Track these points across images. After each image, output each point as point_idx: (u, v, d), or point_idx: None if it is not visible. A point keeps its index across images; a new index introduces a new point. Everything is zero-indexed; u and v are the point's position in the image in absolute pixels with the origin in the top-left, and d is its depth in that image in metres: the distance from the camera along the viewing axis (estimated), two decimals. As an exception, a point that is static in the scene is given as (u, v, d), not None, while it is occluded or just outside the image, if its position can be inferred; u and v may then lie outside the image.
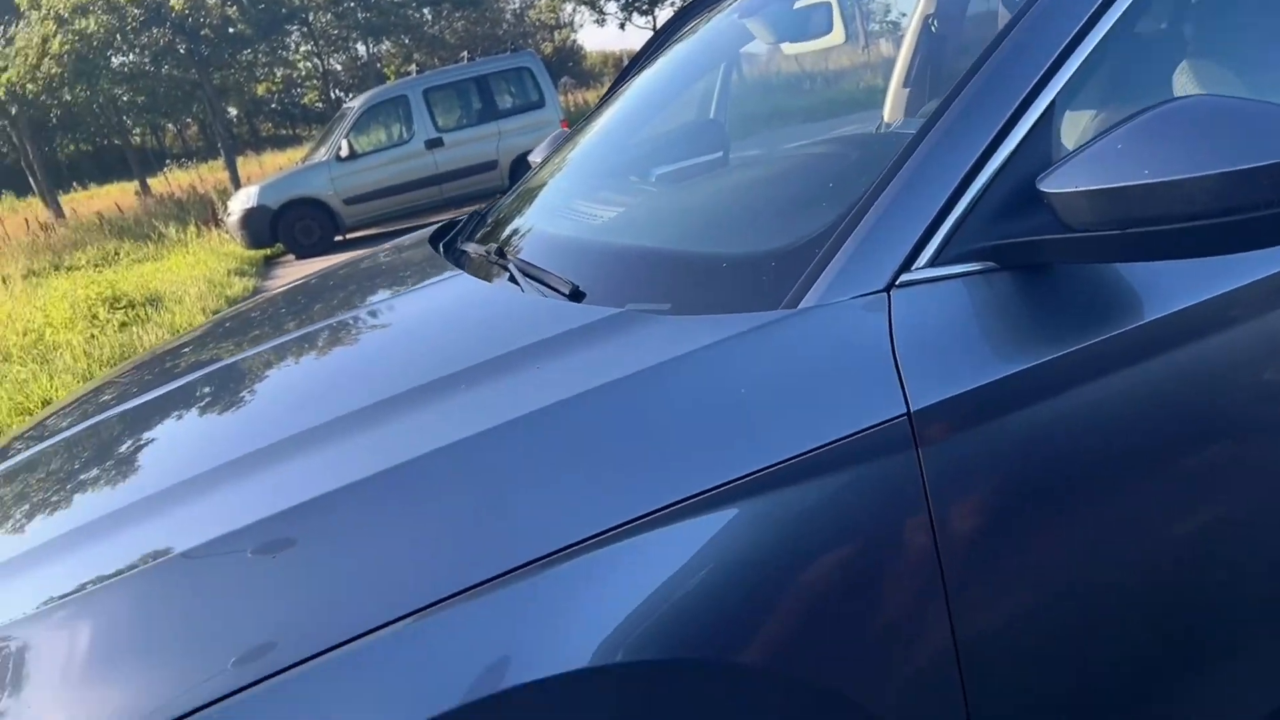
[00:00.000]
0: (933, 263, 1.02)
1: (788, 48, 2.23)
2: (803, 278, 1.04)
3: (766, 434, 0.93)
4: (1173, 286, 1.04)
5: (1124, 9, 1.10)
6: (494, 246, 1.58)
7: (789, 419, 0.94)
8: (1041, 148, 1.04)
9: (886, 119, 2.35)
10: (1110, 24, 1.09)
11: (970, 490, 0.98)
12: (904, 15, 2.45)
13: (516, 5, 40.43)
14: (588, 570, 0.87)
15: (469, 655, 0.84)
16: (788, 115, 2.84)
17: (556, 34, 41.36)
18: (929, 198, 1.03)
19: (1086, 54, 1.08)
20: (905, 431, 0.95)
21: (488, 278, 1.49)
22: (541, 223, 1.75)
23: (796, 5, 1.81)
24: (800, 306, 1.01)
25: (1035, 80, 1.06)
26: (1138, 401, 1.04)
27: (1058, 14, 1.10)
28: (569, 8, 35.60)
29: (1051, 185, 0.95)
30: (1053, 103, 1.05)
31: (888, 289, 1.01)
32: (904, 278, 1.01)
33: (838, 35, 1.80)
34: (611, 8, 31.95)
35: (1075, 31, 1.07)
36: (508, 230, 1.76)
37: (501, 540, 0.88)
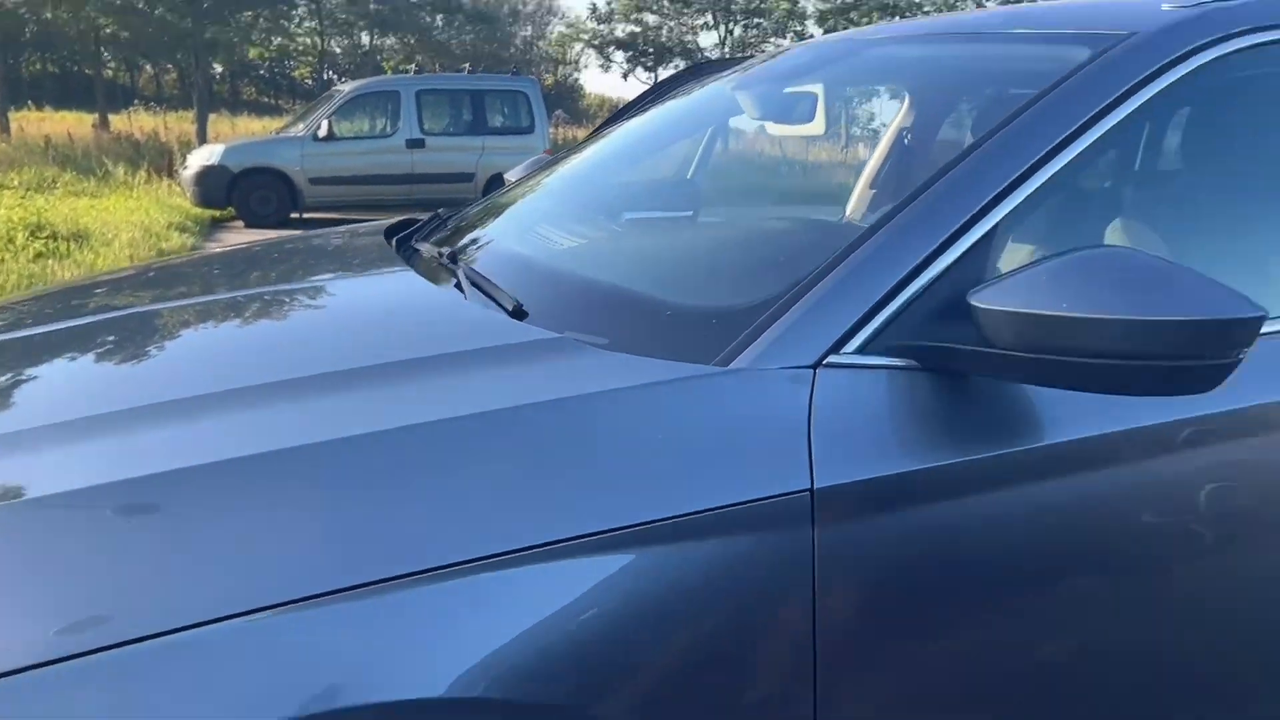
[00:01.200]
0: (861, 350, 1.06)
1: (771, 127, 2.31)
2: (739, 340, 1.07)
3: (673, 485, 0.95)
4: (1075, 415, 1.10)
5: (1071, 159, 1.19)
6: (448, 251, 1.60)
7: (697, 474, 0.96)
8: (979, 264, 1.10)
9: (848, 215, 2.44)
10: (1056, 169, 1.17)
11: (858, 578, 1.01)
12: (884, 125, 2.56)
13: (528, 33, 40.92)
14: (462, 595, 0.85)
15: (317, 665, 0.80)
16: (759, 191, 2.93)
17: (560, 69, 41.86)
18: (869, 288, 1.08)
19: (1034, 189, 1.15)
20: (806, 507, 0.98)
21: (435, 280, 1.50)
22: (500, 238, 1.77)
23: (787, 89, 1.89)
24: (731, 366, 1.04)
25: (985, 201, 1.12)
26: (1028, 519, 1.08)
27: (1013, 149, 1.17)
28: (578, 47, 36.11)
29: (981, 300, 1.00)
30: (995, 226, 1.12)
31: (815, 366, 1.04)
32: (832, 359, 1.05)
33: (818, 126, 1.88)
34: (619, 57, 32.50)
35: (1026, 168, 1.15)
36: (465, 238, 1.77)
37: (378, 547, 0.85)
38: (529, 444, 0.96)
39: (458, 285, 1.42)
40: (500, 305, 1.29)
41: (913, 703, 1.08)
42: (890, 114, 2.36)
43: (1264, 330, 1.20)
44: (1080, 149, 1.20)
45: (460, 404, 0.99)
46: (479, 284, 1.38)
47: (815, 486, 0.98)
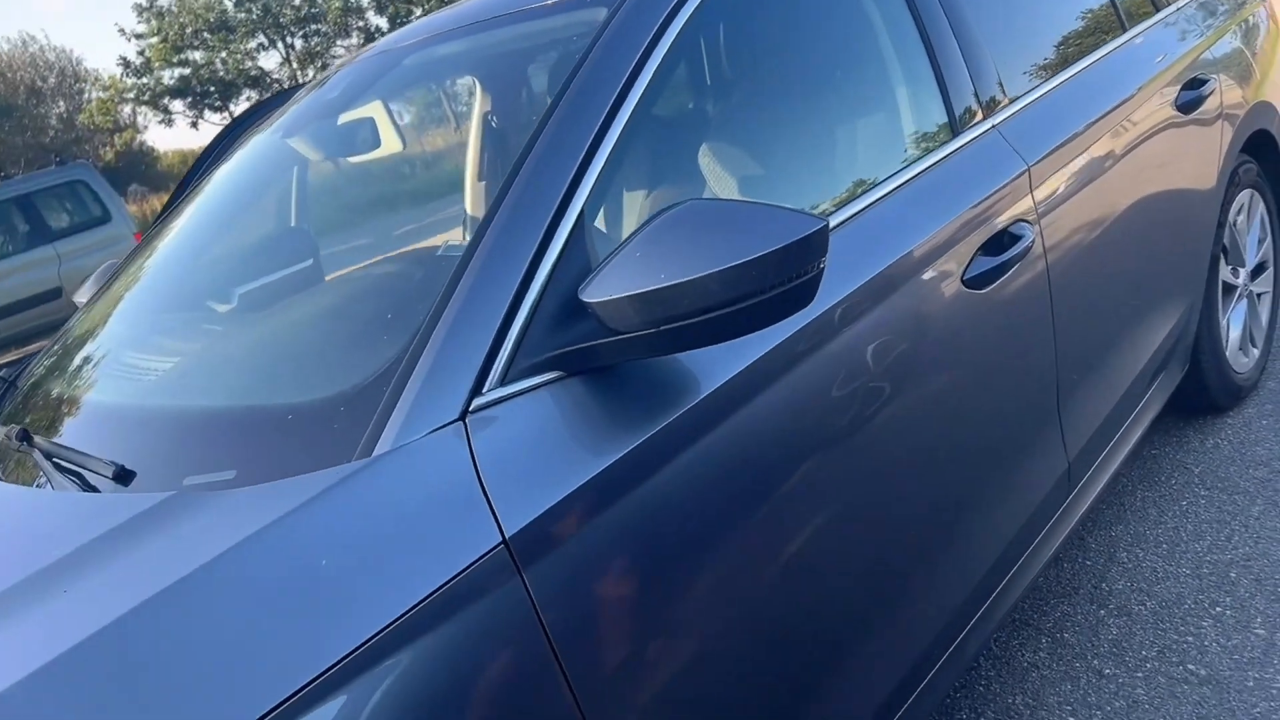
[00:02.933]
0: (504, 381, 1.02)
1: (352, 159, 2.18)
2: (373, 421, 0.98)
3: (357, 605, 0.86)
4: (717, 360, 1.14)
5: (631, 110, 1.21)
6: (17, 429, 1.33)
7: (380, 581, 0.87)
8: (580, 255, 1.10)
9: (469, 211, 2.39)
10: (620, 129, 1.19)
11: (583, 602, 0.99)
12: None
13: (61, 109, 35.88)
14: None
15: None
16: (374, 211, 2.78)
17: (118, 137, 37.35)
18: (486, 317, 1.04)
19: (605, 158, 1.17)
20: (505, 560, 0.93)
21: (10, 474, 1.25)
22: (82, 386, 1.51)
23: (341, 121, 1.77)
24: (375, 454, 0.96)
25: (564, 190, 1.12)
26: (720, 465, 1.12)
27: (572, 124, 1.18)
28: (127, 109, 32.28)
29: (590, 295, 1.00)
30: (582, 211, 1.11)
31: (463, 417, 0.99)
32: (477, 401, 1.00)
33: (393, 145, 1.79)
34: (178, 106, 29.52)
35: (590, 142, 1.16)
36: (40, 402, 1.49)
37: None
38: (165, 646, 0.81)
39: (40, 470, 1.19)
40: (101, 475, 1.09)
41: (684, 682, 1.09)
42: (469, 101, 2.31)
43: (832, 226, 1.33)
44: (630, 109, 1.22)
45: (65, 631, 0.81)
46: (63, 461, 1.17)
47: (507, 536, 0.94)
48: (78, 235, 10.08)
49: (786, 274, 0.96)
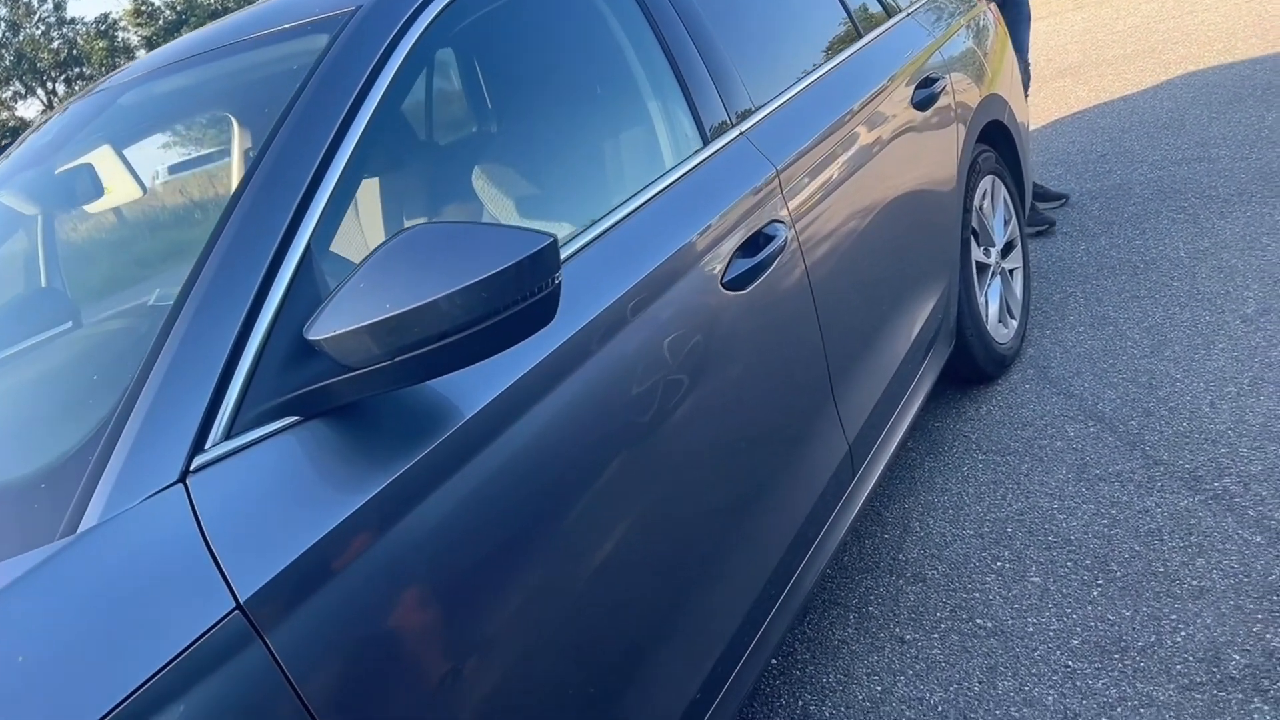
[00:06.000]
0: (229, 434, 0.95)
1: (90, 207, 1.99)
2: (77, 494, 0.89)
3: (63, 700, 0.76)
4: (474, 384, 1.11)
5: (357, 140, 1.16)
6: None
7: (91, 669, 0.78)
8: (310, 291, 1.04)
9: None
10: (346, 159, 1.13)
11: (345, 653, 0.93)
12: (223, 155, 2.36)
13: None
14: None
15: None
16: (136, 264, 2.56)
17: None
18: (203, 367, 0.96)
19: (331, 190, 1.11)
20: (242, 625, 0.86)
21: None
22: None
23: (59, 170, 1.61)
24: (80, 530, 0.86)
25: (285, 226, 1.06)
26: (487, 489, 1.08)
27: (291, 157, 1.11)
28: None
29: (315, 332, 0.94)
30: (308, 245, 1.06)
31: (183, 477, 0.91)
32: (199, 459, 0.92)
33: (130, 190, 1.65)
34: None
35: (312, 172, 1.10)
36: None
37: None
38: None
39: None
40: None
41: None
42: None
43: (583, 244, 1.33)
44: (355, 138, 1.18)
45: None
46: None
47: (242, 600, 0.86)
48: None
49: (521, 292, 0.94)
